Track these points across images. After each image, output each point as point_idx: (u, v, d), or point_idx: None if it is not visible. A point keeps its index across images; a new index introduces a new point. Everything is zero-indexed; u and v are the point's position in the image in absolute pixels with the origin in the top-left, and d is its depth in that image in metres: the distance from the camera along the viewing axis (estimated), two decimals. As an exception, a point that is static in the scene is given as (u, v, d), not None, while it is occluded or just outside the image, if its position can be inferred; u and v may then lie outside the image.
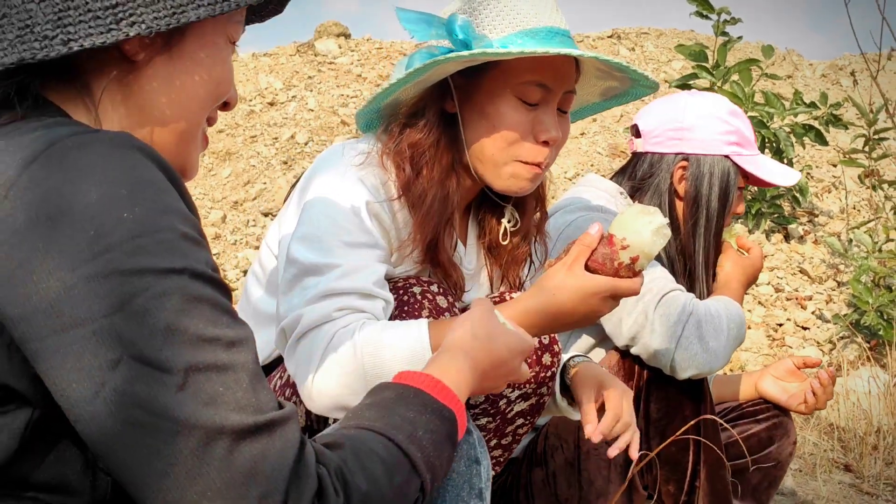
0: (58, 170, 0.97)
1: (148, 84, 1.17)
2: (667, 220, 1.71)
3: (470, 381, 1.29)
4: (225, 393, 0.96)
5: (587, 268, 1.71)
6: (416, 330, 1.67)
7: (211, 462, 0.94)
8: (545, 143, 1.87)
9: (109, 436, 0.95)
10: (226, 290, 1.03)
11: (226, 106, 1.28)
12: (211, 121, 1.28)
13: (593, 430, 1.85)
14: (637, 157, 2.61)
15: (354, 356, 1.63)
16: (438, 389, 1.21)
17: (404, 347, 1.64)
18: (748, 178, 2.58)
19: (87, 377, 0.94)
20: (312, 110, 7.34)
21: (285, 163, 6.80)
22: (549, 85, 1.85)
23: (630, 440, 1.86)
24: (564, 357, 2.05)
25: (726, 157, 2.52)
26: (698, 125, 2.53)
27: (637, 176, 2.58)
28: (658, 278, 2.18)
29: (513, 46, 1.80)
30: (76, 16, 1.09)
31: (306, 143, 6.95)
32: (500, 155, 1.87)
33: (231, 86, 1.26)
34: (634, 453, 1.86)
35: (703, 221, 2.51)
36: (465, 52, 1.77)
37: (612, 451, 1.86)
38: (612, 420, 1.87)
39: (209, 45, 1.20)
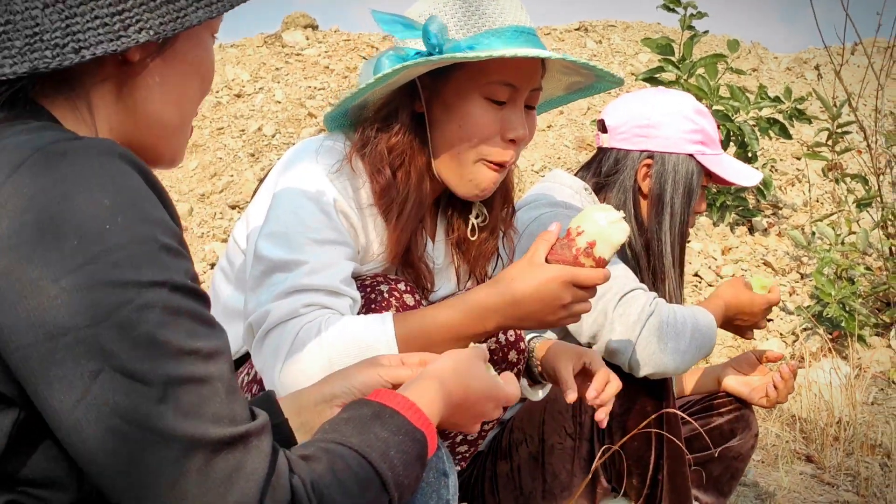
0: (42, 177, 0.98)
1: (143, 85, 1.18)
2: (622, 214, 1.74)
3: (441, 410, 1.31)
4: (202, 405, 0.99)
5: (548, 262, 1.73)
6: (381, 324, 1.68)
7: (189, 473, 0.97)
8: (512, 141, 1.89)
9: (89, 444, 0.97)
10: (205, 300, 1.05)
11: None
12: (197, 109, 1.30)
13: (574, 396, 1.88)
14: (603, 152, 2.63)
15: (320, 351, 1.64)
16: (412, 412, 1.22)
17: (369, 341, 1.66)
18: (711, 176, 2.61)
19: (68, 387, 0.96)
20: (280, 102, 7.32)
21: (252, 155, 6.77)
22: (516, 84, 1.87)
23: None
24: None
25: (691, 155, 2.54)
26: (664, 123, 2.54)
27: (602, 172, 2.60)
28: (619, 277, 2.20)
29: (480, 48, 1.82)
30: (83, 23, 1.10)
31: (273, 136, 6.92)
32: (466, 154, 1.88)
33: (211, 77, 1.28)
34: (601, 415, 1.90)
35: (667, 219, 2.54)
36: (435, 57, 1.79)
37: (601, 415, 1.89)
38: (604, 377, 1.91)
39: (198, 43, 1.23)
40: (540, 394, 2.15)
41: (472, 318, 1.72)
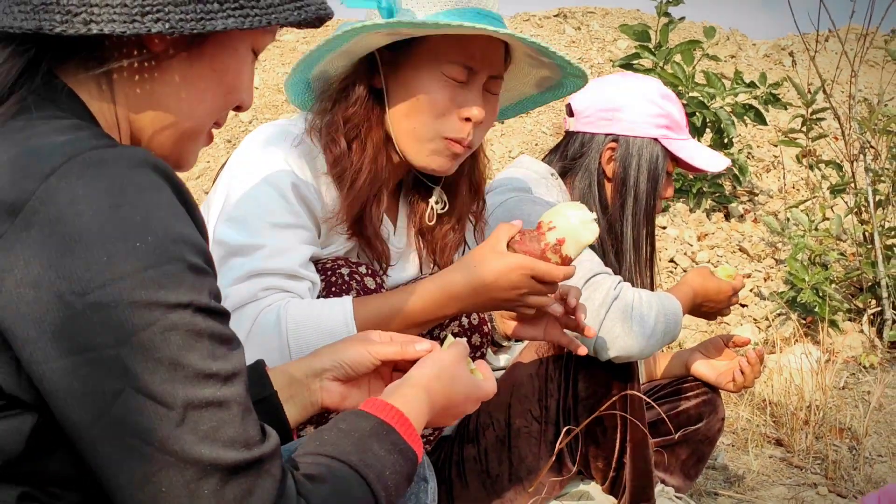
0: (74, 188, 0.98)
1: (163, 79, 1.18)
2: (595, 216, 1.76)
3: (425, 419, 1.33)
4: (219, 428, 1.01)
5: (515, 251, 1.74)
6: (340, 307, 1.68)
7: (202, 496, 1.00)
8: (468, 120, 1.89)
9: (107, 460, 1.00)
10: (226, 317, 1.07)
11: (238, 109, 1.30)
12: (219, 123, 1.29)
13: (560, 309, 1.92)
14: (569, 136, 2.64)
15: (279, 335, 1.64)
16: (406, 428, 1.25)
17: (328, 325, 1.66)
18: (678, 162, 2.61)
19: (90, 403, 0.98)
20: (257, 88, 7.29)
21: (229, 141, 6.75)
22: (474, 67, 1.88)
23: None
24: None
25: (655, 139, 2.54)
26: (628, 106, 2.55)
27: (568, 156, 2.61)
28: (584, 261, 2.21)
29: (431, 21, 1.82)
30: None
31: (250, 122, 6.90)
32: (423, 130, 1.88)
33: (244, 92, 1.27)
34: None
35: (630, 203, 2.54)
36: (383, 21, 1.79)
37: (572, 301, 1.93)
38: (576, 292, 1.95)
39: (230, 52, 1.22)
40: (502, 360, 2.15)
41: (434, 304, 1.74)
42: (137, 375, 0.98)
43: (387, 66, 1.90)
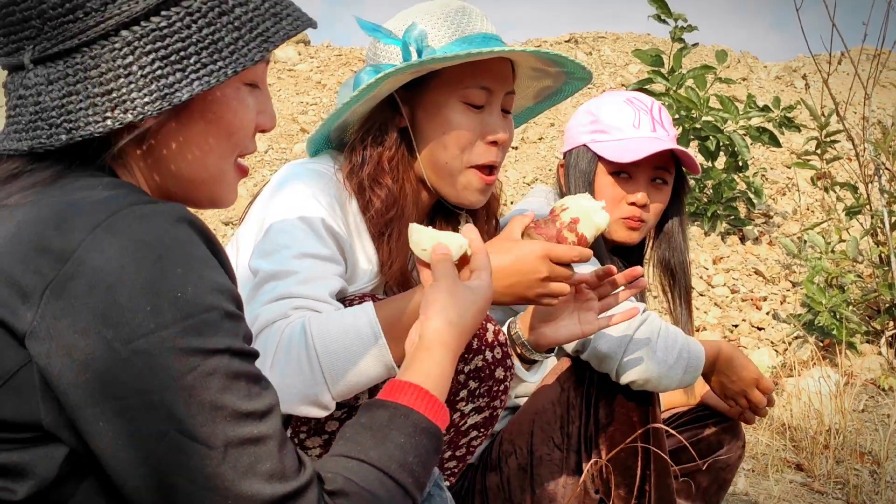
0: (118, 242, 1.04)
1: (164, 147, 1.22)
2: (603, 204, 1.82)
3: (451, 372, 1.34)
4: (258, 464, 1.06)
5: (531, 237, 1.78)
6: (362, 310, 1.69)
7: None
8: (494, 143, 1.94)
9: (153, 498, 1.05)
10: (256, 357, 1.13)
11: (262, 131, 1.33)
12: (247, 150, 1.32)
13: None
14: None
15: (306, 344, 1.65)
16: (426, 403, 1.27)
17: (354, 333, 1.67)
18: (609, 162, 2.55)
19: (136, 445, 1.03)
20: (272, 117, 7.34)
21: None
22: (491, 87, 1.94)
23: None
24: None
25: (585, 145, 2.57)
26: (571, 123, 2.65)
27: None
28: None
29: (453, 53, 1.87)
30: (77, 101, 1.14)
31: (266, 151, 6.95)
32: (454, 162, 1.94)
33: (248, 126, 1.28)
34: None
35: None
36: (416, 61, 1.84)
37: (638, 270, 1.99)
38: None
39: (217, 102, 1.24)
40: (534, 375, 2.16)
41: None
42: (181, 418, 1.03)
43: (406, 104, 1.94)
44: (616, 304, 2.02)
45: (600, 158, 2.54)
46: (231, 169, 1.30)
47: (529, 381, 2.15)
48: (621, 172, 2.53)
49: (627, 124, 2.55)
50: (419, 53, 1.89)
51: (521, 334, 2.09)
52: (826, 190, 5.91)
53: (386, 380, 1.67)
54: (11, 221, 1.08)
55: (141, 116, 1.14)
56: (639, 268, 2.02)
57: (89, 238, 1.03)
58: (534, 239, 1.79)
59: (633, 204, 2.52)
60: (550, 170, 6.86)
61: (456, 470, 2.13)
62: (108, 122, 1.13)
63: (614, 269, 1.97)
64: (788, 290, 5.70)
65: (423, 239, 1.44)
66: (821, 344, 5.00)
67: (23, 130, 1.16)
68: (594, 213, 1.79)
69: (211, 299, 1.07)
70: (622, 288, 2.01)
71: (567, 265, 1.79)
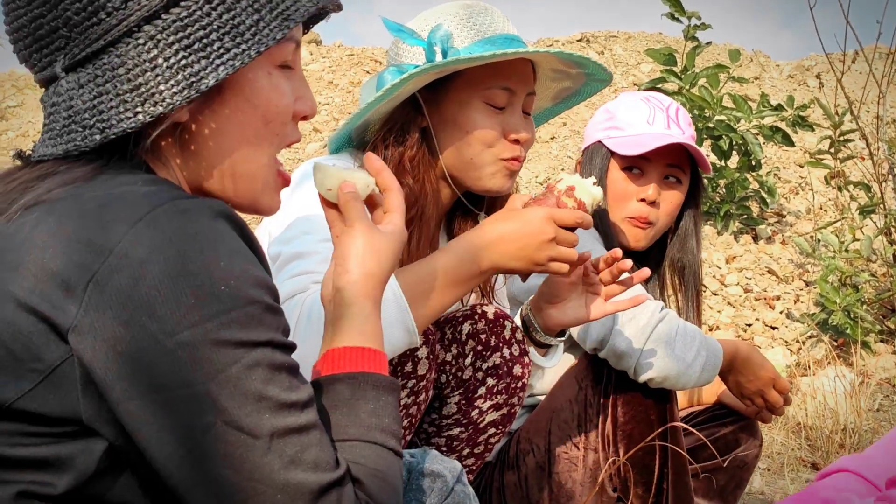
0: (161, 235, 1.05)
1: (202, 140, 1.23)
2: (594, 179, 1.88)
3: (379, 321, 1.30)
4: (303, 453, 1.07)
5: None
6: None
7: None
8: (516, 141, 1.95)
9: (199, 490, 1.06)
10: (294, 349, 1.13)
11: (304, 118, 1.33)
12: (290, 140, 1.31)
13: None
14: None
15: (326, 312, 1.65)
16: (371, 360, 1.25)
17: None
18: (622, 156, 2.55)
19: (181, 437, 1.04)
20: (285, 117, 7.35)
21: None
22: (513, 87, 1.96)
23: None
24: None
25: (599, 142, 2.58)
26: (590, 122, 2.67)
27: None
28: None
29: (478, 54, 1.88)
30: (107, 101, 1.15)
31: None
32: (479, 158, 1.95)
33: (284, 109, 1.27)
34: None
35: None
36: (440, 61, 1.86)
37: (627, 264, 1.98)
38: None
39: (248, 86, 1.24)
40: (551, 360, 2.15)
41: (466, 259, 1.77)
42: (226, 409, 1.04)
43: (428, 104, 1.95)
44: (621, 292, 2.02)
45: (613, 153, 2.54)
46: (271, 165, 1.30)
47: (546, 366, 2.15)
48: (633, 168, 2.53)
49: (641, 121, 2.55)
50: (444, 54, 1.90)
51: (531, 316, 2.09)
52: (840, 189, 5.90)
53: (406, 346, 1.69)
54: (52, 216, 1.09)
55: (170, 107, 1.15)
56: (646, 269, 2.02)
57: (132, 232, 1.04)
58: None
59: (642, 200, 2.51)
60: (562, 168, 6.86)
61: (474, 468, 2.14)
62: (140, 116, 1.14)
63: (620, 252, 1.97)
64: (802, 290, 5.69)
65: (328, 178, 1.36)
66: (835, 343, 4.99)
67: (57, 136, 1.17)
68: (588, 185, 1.85)
69: (253, 293, 1.08)
70: (626, 274, 2.00)
71: (571, 229, 1.81)
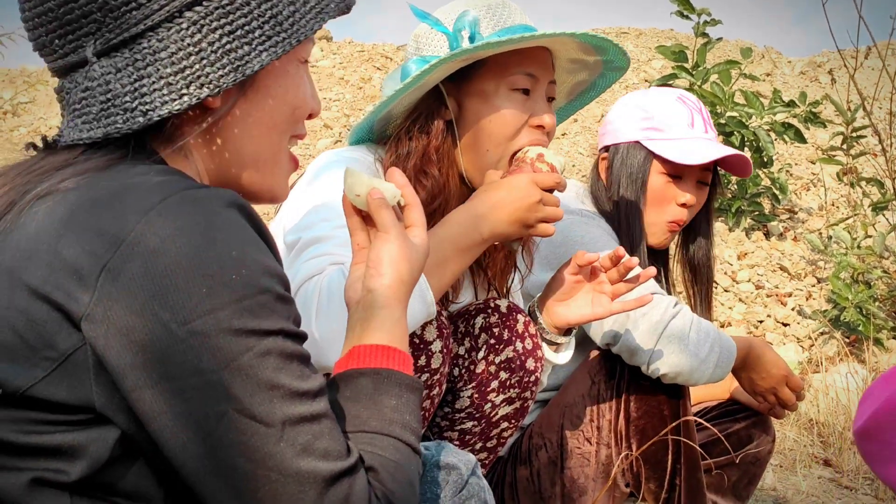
0: (172, 224, 1.05)
1: (230, 127, 1.25)
2: (561, 158, 1.98)
3: (406, 327, 1.31)
4: (315, 442, 1.08)
5: None
6: None
7: None
8: (540, 127, 1.95)
9: (212, 478, 1.06)
10: (305, 339, 1.14)
11: (309, 117, 1.35)
12: (298, 137, 1.35)
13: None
14: None
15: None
16: (398, 360, 1.26)
17: None
18: (669, 162, 2.54)
19: (194, 425, 1.05)
20: (295, 113, 7.36)
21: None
22: (536, 73, 1.97)
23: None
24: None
25: (637, 142, 2.55)
26: (616, 116, 2.62)
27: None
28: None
29: (507, 37, 1.89)
30: (150, 84, 1.16)
31: (290, 146, 6.98)
32: (496, 151, 1.96)
33: (309, 103, 1.33)
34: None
35: (622, 206, 2.53)
36: (469, 46, 1.87)
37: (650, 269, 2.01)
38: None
39: (281, 76, 1.28)
40: (563, 357, 2.15)
41: (467, 226, 1.81)
42: (238, 397, 1.04)
43: (451, 95, 1.96)
44: (627, 291, 2.02)
45: (655, 157, 2.52)
46: (287, 150, 1.33)
47: (557, 363, 2.15)
48: (675, 174, 2.53)
49: (683, 123, 2.54)
50: (471, 39, 1.91)
51: (538, 314, 2.09)
52: (852, 185, 5.88)
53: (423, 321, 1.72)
54: (64, 205, 1.09)
55: (217, 90, 1.17)
56: (652, 268, 2.01)
57: (144, 220, 1.04)
58: None
59: (682, 205, 2.52)
60: (574, 165, 6.85)
61: (486, 462, 2.14)
62: (185, 98, 1.16)
63: (623, 251, 1.98)
64: (814, 286, 5.67)
65: (358, 184, 1.36)
66: (847, 340, 4.98)
67: (94, 119, 1.17)
68: (552, 153, 1.94)
69: (264, 282, 1.08)
70: (636, 271, 2.01)
71: (550, 191, 1.86)
